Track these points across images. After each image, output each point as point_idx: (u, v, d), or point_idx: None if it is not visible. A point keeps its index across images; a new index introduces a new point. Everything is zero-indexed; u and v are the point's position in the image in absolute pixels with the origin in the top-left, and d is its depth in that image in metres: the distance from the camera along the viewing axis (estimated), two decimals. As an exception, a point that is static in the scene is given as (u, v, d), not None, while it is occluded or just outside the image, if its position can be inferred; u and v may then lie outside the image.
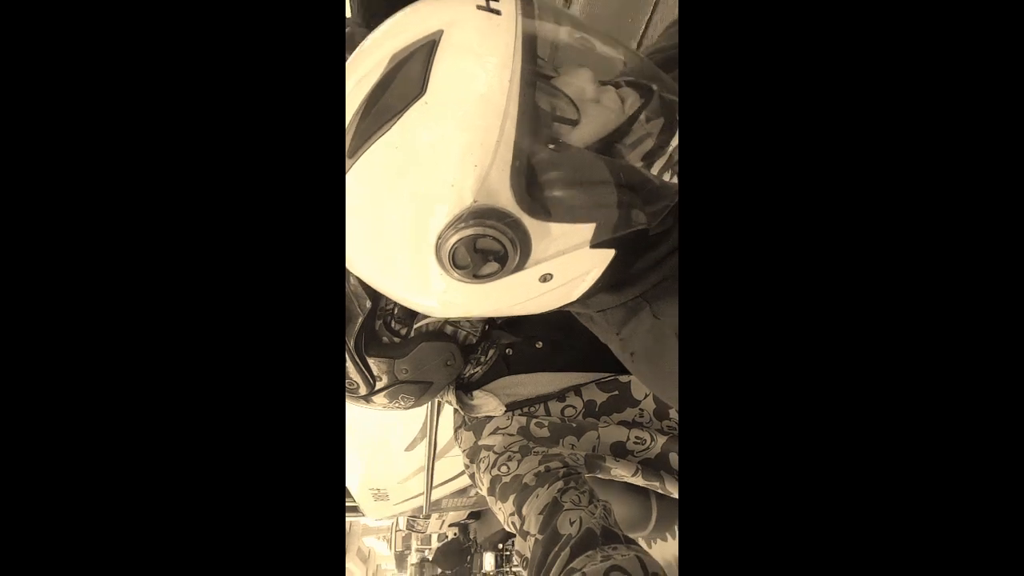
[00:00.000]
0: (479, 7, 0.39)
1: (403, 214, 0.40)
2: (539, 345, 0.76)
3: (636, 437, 0.71)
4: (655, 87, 0.46)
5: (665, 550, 0.96)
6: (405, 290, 0.47)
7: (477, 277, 0.42)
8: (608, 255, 0.45)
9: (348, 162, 0.40)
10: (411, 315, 0.69)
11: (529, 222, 0.40)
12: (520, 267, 0.42)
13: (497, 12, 0.39)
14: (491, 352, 0.76)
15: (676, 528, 0.82)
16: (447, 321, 0.71)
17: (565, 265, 0.44)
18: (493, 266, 0.41)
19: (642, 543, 0.63)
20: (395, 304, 0.67)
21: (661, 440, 0.71)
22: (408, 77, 0.38)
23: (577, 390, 0.73)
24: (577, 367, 0.74)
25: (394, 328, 0.69)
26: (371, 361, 0.68)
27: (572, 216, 0.42)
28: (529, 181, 0.40)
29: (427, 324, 0.70)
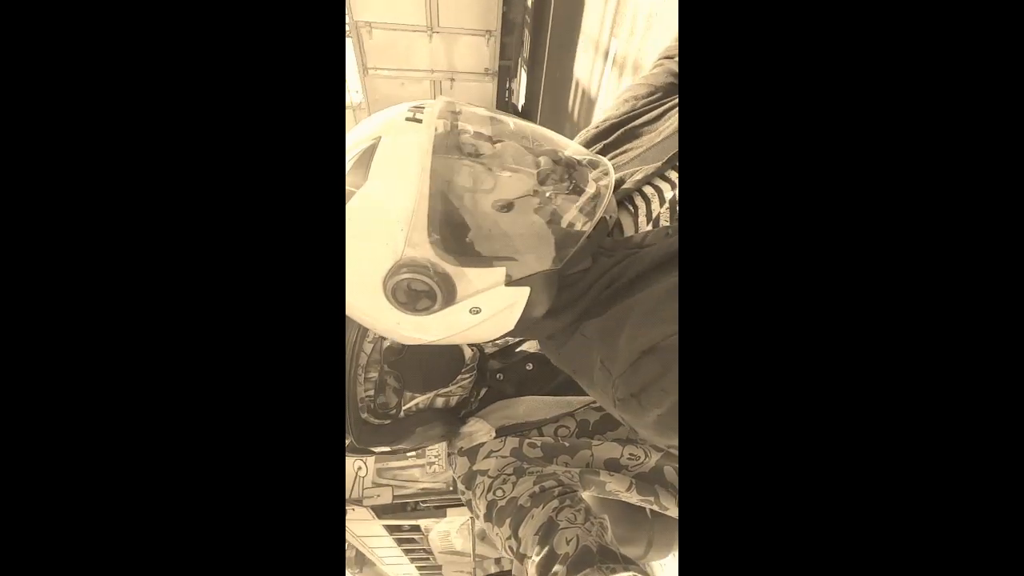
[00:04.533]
0: (407, 119, 0.53)
1: (360, 264, 0.52)
2: (529, 367, 0.78)
3: (630, 453, 0.72)
4: (569, 154, 0.56)
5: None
6: (374, 318, 0.56)
7: (417, 311, 0.53)
8: (525, 291, 0.54)
9: None
10: (396, 399, 0.72)
11: (449, 268, 0.51)
12: (449, 302, 0.53)
13: (419, 120, 0.52)
14: (483, 391, 0.78)
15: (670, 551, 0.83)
16: (437, 394, 0.74)
17: (489, 300, 0.54)
18: (426, 302, 0.52)
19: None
20: (372, 389, 0.72)
21: (655, 456, 0.72)
22: (357, 171, 0.51)
23: (570, 411, 0.75)
24: (567, 389, 0.75)
25: (380, 411, 0.71)
26: (371, 447, 0.71)
27: (482, 263, 0.53)
28: (444, 237, 0.51)
29: (416, 404, 0.72)
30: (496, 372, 0.78)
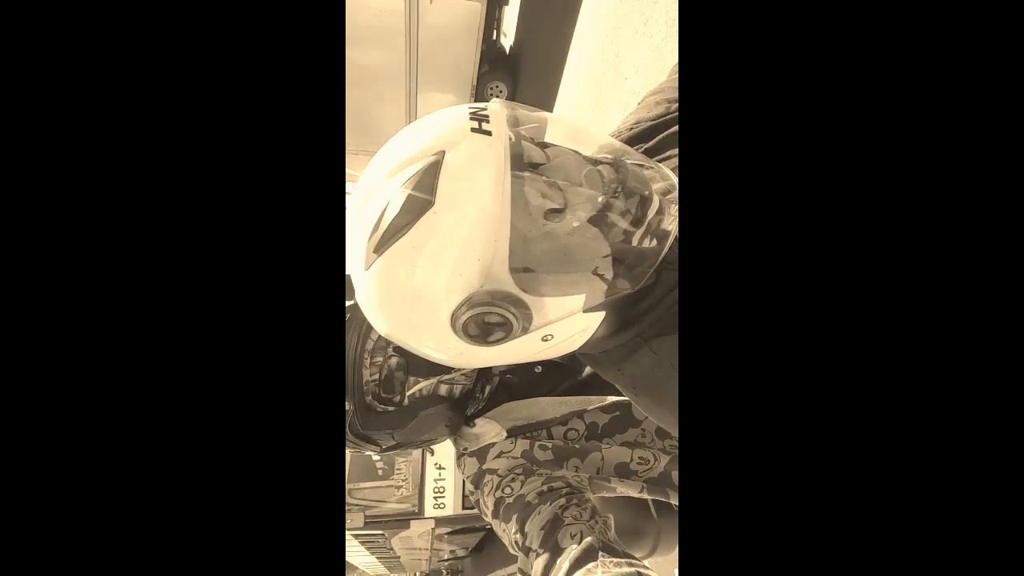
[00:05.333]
0: (473, 130, 0.48)
1: (422, 297, 0.48)
2: (538, 369, 0.78)
3: (640, 457, 0.73)
4: (629, 162, 0.53)
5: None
6: (426, 348, 0.54)
7: (488, 343, 0.51)
8: (600, 315, 0.53)
9: (374, 256, 0.48)
10: (400, 383, 0.71)
11: (528, 299, 0.49)
12: (523, 332, 0.51)
13: (488, 133, 0.47)
14: (488, 389, 0.78)
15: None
16: (440, 381, 0.72)
17: (563, 327, 0.52)
18: (499, 334, 0.50)
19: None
20: (377, 375, 0.70)
21: (664, 459, 0.73)
22: (420, 191, 0.46)
23: (580, 413, 0.75)
24: (578, 390, 0.76)
25: (385, 398, 0.70)
26: (374, 434, 0.71)
27: (565, 291, 0.51)
28: (526, 267, 0.48)
29: (420, 389, 0.71)
30: (505, 374, 0.78)
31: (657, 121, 0.62)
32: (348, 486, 3.61)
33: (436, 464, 3.64)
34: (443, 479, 3.60)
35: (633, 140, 0.62)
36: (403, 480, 3.66)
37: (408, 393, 0.70)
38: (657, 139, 0.61)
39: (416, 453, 3.74)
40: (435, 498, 3.56)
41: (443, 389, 0.72)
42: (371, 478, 3.72)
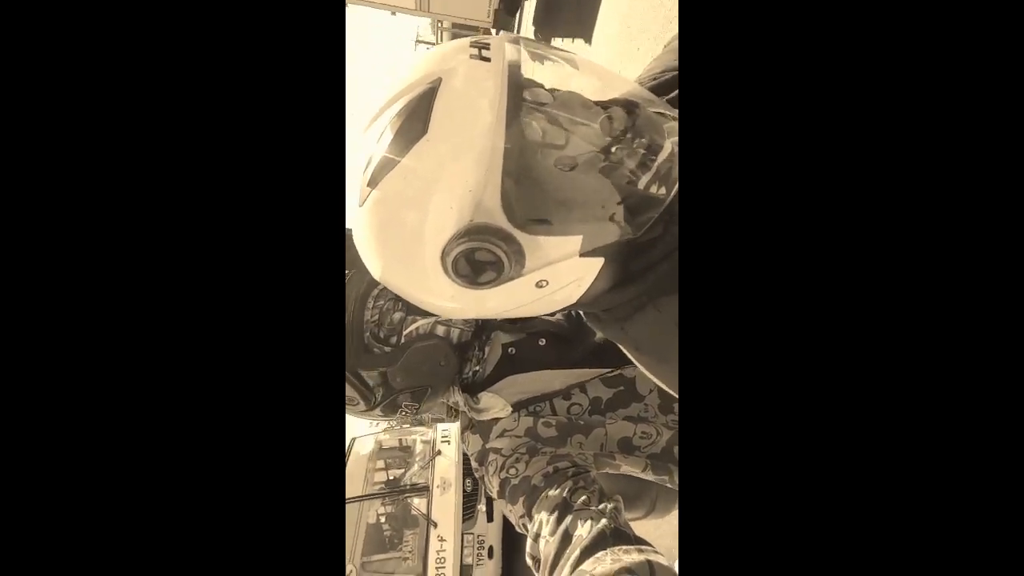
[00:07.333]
0: (472, 56, 0.46)
1: (415, 231, 0.47)
2: (542, 342, 0.77)
3: (642, 432, 0.72)
4: (641, 104, 0.51)
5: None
6: (420, 292, 0.52)
7: (478, 284, 0.48)
8: (598, 262, 0.50)
9: (367, 190, 0.47)
10: (399, 324, 0.71)
11: (521, 236, 0.46)
12: (516, 275, 0.48)
13: (487, 59, 0.46)
14: (487, 349, 0.78)
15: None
16: (438, 321, 0.72)
17: (558, 272, 0.49)
18: (490, 275, 0.48)
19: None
20: (378, 314, 0.70)
21: (667, 434, 0.73)
22: (411, 124, 0.45)
23: (583, 387, 0.74)
24: (581, 363, 0.75)
25: (383, 337, 0.70)
26: (365, 374, 0.70)
27: (560, 230, 0.48)
28: (519, 200, 0.46)
29: (417, 328, 0.71)
30: (508, 347, 0.78)
31: None
32: (362, 559, 4.16)
33: (439, 536, 4.19)
34: (444, 550, 4.14)
35: (657, 90, 0.59)
36: (409, 552, 4.21)
37: (405, 332, 0.70)
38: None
39: (422, 525, 4.27)
40: (437, 568, 4.08)
41: (440, 330, 0.73)
42: (382, 550, 4.28)
